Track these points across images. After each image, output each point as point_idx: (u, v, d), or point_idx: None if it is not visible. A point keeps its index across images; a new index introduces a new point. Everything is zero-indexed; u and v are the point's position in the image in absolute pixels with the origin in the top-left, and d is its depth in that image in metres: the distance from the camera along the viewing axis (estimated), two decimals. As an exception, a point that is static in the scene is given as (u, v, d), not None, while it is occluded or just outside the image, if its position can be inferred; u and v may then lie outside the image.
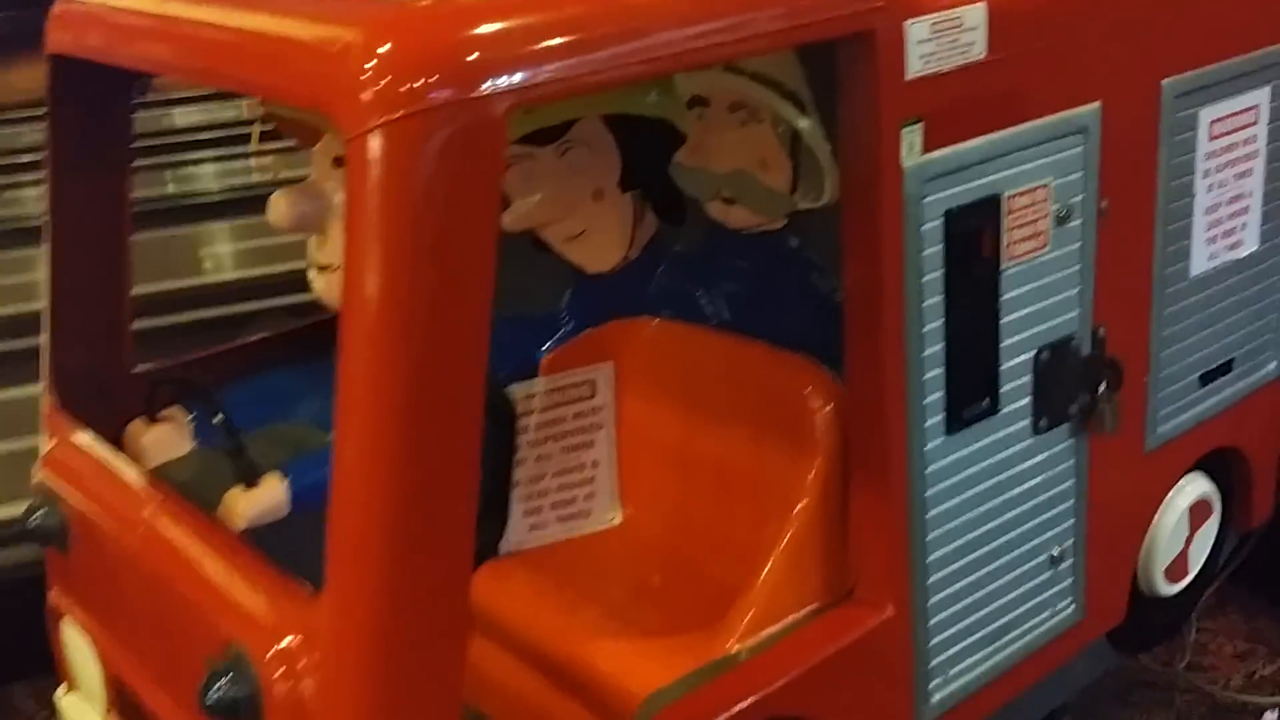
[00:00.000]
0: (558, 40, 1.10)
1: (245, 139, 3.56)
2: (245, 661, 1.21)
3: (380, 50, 1.01)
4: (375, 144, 1.00)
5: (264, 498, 1.58)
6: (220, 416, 1.59)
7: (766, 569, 1.50)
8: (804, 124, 1.52)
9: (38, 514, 1.62)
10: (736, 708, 1.39)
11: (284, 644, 1.18)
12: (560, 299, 1.85)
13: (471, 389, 1.09)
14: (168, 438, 1.75)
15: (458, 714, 1.18)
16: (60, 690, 1.83)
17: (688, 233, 1.85)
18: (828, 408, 1.51)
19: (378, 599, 1.10)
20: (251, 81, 1.28)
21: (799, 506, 1.51)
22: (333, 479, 1.10)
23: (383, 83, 1.00)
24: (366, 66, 1.01)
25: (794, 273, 1.76)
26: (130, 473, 1.57)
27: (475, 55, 1.03)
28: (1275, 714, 2.15)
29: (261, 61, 1.17)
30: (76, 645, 1.69)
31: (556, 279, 1.85)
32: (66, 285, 1.67)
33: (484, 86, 1.03)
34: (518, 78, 1.06)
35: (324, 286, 1.72)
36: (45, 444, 1.71)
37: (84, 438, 1.66)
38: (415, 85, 1.00)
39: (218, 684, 1.21)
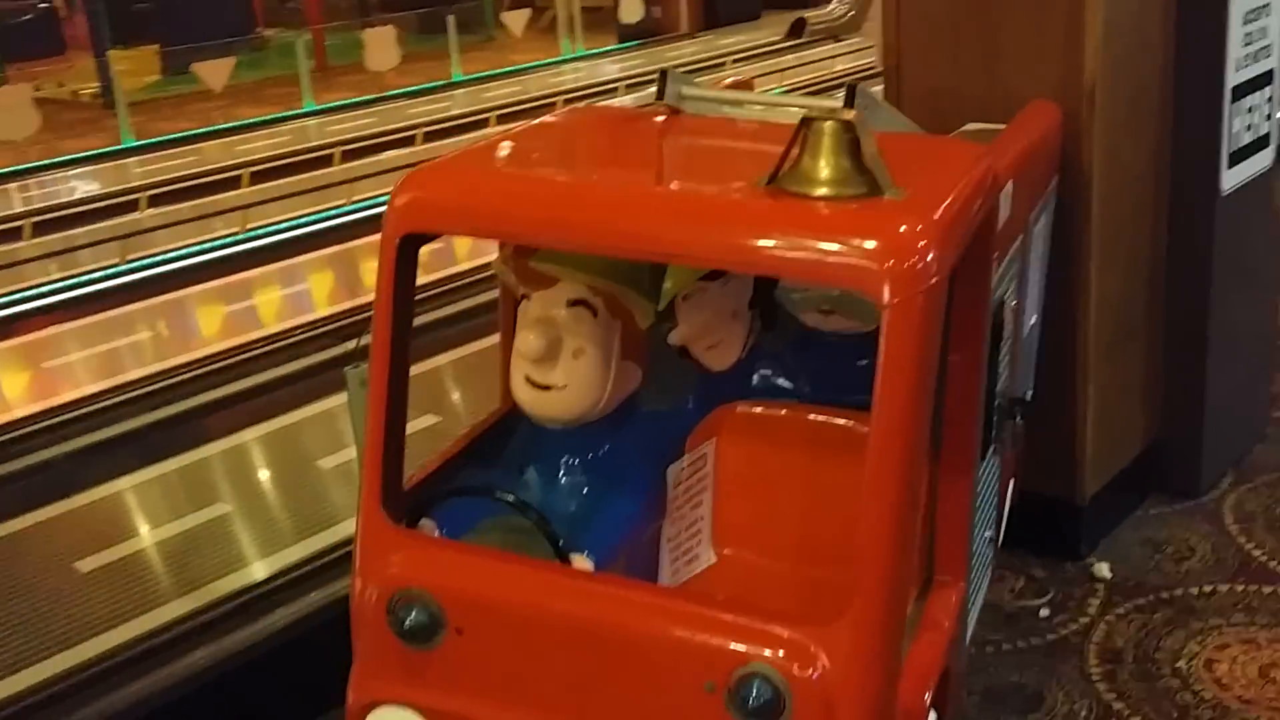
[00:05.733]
0: (958, 239, 1.84)
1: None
2: (770, 671, 1.73)
3: (893, 261, 1.71)
4: (897, 311, 1.70)
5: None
6: (532, 511, 2.03)
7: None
8: None
9: (410, 615, 1.90)
10: (939, 666, 2.10)
11: (811, 654, 1.73)
12: (691, 392, 2.45)
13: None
14: None
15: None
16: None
17: (778, 336, 2.53)
18: None
19: (883, 619, 1.74)
20: (781, 269, 1.92)
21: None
22: (862, 540, 1.71)
23: (896, 279, 1.70)
24: (888, 270, 1.71)
25: (864, 357, 2.50)
26: (522, 564, 1.96)
27: (937, 253, 1.74)
28: (1047, 609, 3.20)
29: (801, 263, 1.79)
30: None
31: (689, 377, 2.45)
32: (384, 421, 2.02)
33: (942, 273, 1.74)
34: (951, 264, 1.78)
35: (533, 399, 2.20)
36: (366, 551, 2.00)
37: (442, 542, 2.00)
38: (910, 280, 1.71)
39: (754, 692, 1.72)
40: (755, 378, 2.61)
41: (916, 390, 1.72)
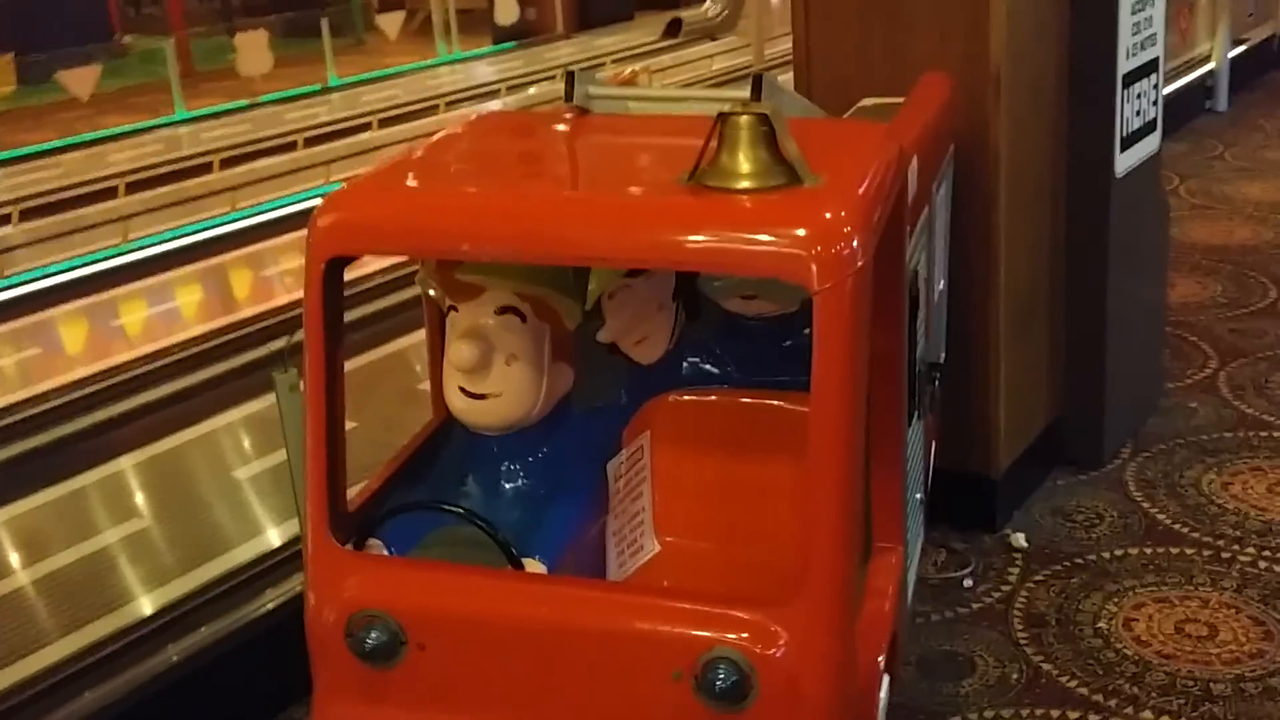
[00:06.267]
0: (878, 221, 1.90)
1: None
2: (734, 654, 1.76)
3: (819, 248, 1.76)
4: (827, 297, 1.75)
5: None
6: (481, 520, 2.04)
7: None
8: None
9: (371, 637, 1.89)
10: (889, 631, 2.16)
11: (773, 633, 1.77)
12: (623, 387, 2.47)
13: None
14: None
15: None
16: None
17: (703, 324, 2.57)
18: None
19: (837, 592, 1.80)
20: (712, 265, 1.97)
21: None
22: (810, 519, 1.75)
23: (824, 266, 1.75)
24: (815, 257, 1.75)
25: (789, 336, 2.55)
26: (480, 573, 1.97)
27: (861, 238, 1.79)
28: (970, 580, 3.30)
29: (729, 256, 1.82)
30: None
31: (619, 373, 2.47)
32: (325, 444, 1.99)
33: (867, 256, 1.79)
34: (874, 246, 1.84)
35: (469, 408, 2.21)
36: (318, 577, 1.98)
37: (395, 561, 2.00)
38: (838, 265, 1.76)
39: (721, 675, 1.75)
40: (684, 367, 2.66)
41: (851, 370, 1.78)
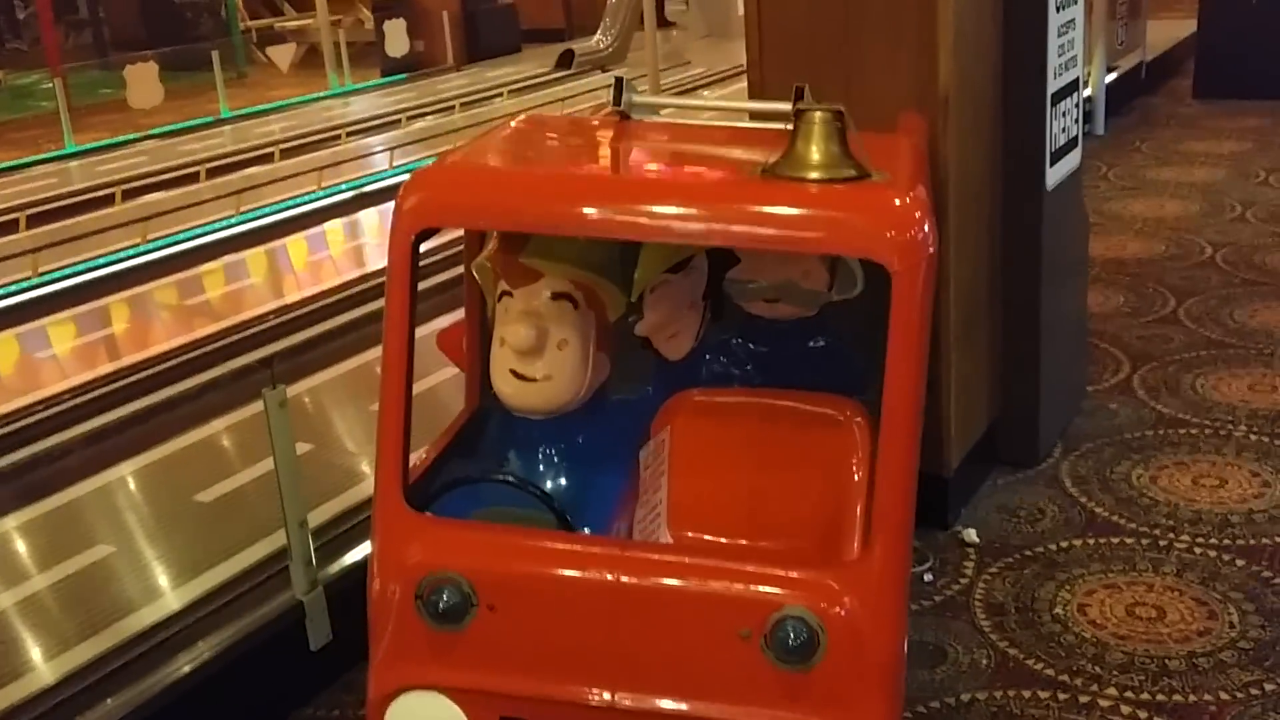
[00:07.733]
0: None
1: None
2: (804, 612, 1.87)
3: (899, 233, 1.93)
4: (904, 276, 1.90)
5: None
6: (538, 490, 2.12)
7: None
8: None
9: (443, 598, 1.95)
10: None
11: (840, 593, 1.89)
12: (650, 380, 2.57)
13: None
14: None
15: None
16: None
17: (724, 325, 2.69)
18: (860, 417, 2.45)
19: (901, 553, 1.93)
20: (801, 246, 2.14)
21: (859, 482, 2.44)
22: (881, 482, 1.88)
23: (904, 248, 1.92)
24: (897, 240, 1.93)
25: (808, 340, 2.67)
26: (552, 537, 2.05)
27: (931, 227, 1.96)
28: (930, 574, 3.46)
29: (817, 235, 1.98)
30: (433, 716, 2.02)
31: (648, 367, 2.57)
32: (400, 416, 2.08)
33: (936, 244, 1.97)
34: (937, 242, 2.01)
35: (518, 391, 2.29)
36: (387, 542, 2.03)
37: (465, 524, 2.08)
38: (914, 248, 1.93)
39: (792, 633, 1.85)
40: (707, 365, 2.78)
41: (921, 344, 1.94)
